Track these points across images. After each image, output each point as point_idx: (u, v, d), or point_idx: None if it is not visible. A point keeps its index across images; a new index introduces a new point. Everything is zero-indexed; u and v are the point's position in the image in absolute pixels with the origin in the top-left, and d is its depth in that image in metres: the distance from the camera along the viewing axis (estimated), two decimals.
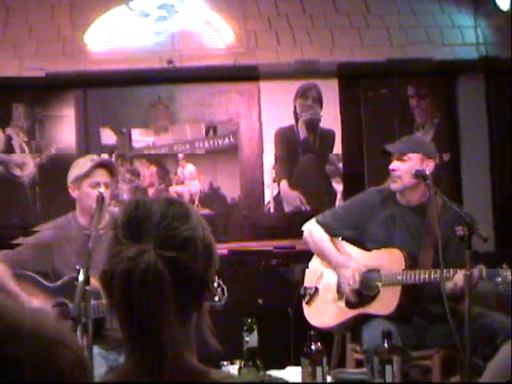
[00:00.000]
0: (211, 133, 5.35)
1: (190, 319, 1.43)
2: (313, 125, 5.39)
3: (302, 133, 5.39)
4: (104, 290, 1.40)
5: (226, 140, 5.36)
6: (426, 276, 3.62)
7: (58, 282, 3.74)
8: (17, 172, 5.22)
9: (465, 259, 3.35)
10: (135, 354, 1.36)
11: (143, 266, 1.32)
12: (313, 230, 4.05)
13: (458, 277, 3.48)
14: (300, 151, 5.38)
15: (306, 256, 4.17)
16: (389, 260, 3.79)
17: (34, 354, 0.90)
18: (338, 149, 5.37)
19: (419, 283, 3.67)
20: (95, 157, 4.01)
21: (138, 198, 1.44)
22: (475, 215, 3.68)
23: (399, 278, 3.70)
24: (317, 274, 4.04)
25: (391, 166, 3.85)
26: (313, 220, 4.08)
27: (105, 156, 5.12)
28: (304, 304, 4.02)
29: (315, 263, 4.08)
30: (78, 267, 2.95)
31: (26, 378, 0.88)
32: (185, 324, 1.41)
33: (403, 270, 3.71)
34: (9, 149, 5.22)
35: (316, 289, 4.00)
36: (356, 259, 3.89)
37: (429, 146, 4.01)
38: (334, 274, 3.94)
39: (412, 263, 3.76)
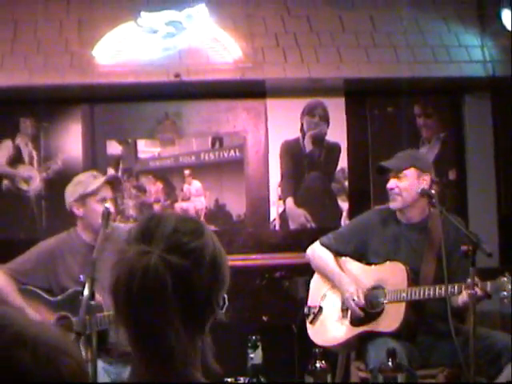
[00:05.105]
0: (217, 145, 5.36)
1: (194, 336, 1.42)
2: (319, 139, 5.40)
3: (308, 146, 5.39)
4: (111, 293, 1.40)
5: (232, 153, 5.37)
6: (431, 292, 3.59)
7: (60, 296, 3.74)
8: (23, 186, 5.23)
9: (466, 273, 3.35)
10: (141, 361, 1.36)
11: (144, 264, 1.33)
12: (316, 251, 4.06)
13: (464, 293, 3.45)
14: (306, 165, 5.38)
15: (309, 269, 4.16)
16: (392, 274, 3.78)
17: (36, 361, 0.91)
18: (343, 163, 5.38)
19: (424, 299, 3.65)
20: (95, 173, 3.99)
21: (156, 212, 1.47)
22: (481, 231, 3.67)
23: (404, 294, 3.68)
24: (320, 292, 4.03)
25: (388, 185, 3.88)
26: (317, 242, 4.09)
27: (109, 171, 5.14)
28: (308, 323, 4.01)
29: (318, 282, 4.07)
30: (82, 278, 2.95)
31: None
32: (191, 339, 1.40)
33: (408, 286, 3.70)
34: (18, 158, 5.24)
35: (320, 308, 3.99)
36: (359, 278, 3.89)
37: (423, 160, 4.05)
38: (338, 292, 3.93)
39: (414, 277, 3.75)
